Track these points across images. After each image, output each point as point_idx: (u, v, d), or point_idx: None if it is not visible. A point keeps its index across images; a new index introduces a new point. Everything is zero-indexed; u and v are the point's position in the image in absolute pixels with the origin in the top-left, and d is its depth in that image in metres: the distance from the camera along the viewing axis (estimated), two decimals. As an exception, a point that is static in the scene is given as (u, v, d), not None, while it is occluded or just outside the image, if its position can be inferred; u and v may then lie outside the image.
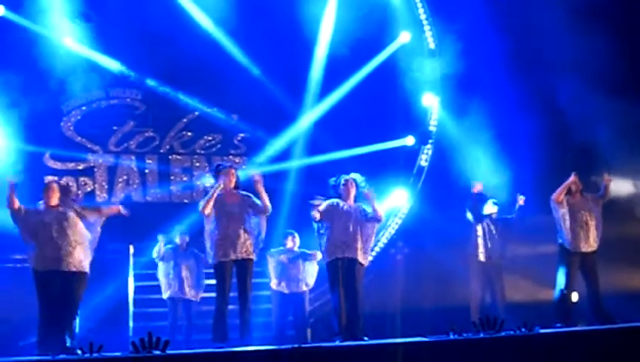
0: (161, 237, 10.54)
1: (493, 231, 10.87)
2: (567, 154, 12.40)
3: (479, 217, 10.87)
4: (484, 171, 12.30)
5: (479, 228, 10.85)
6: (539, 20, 12.36)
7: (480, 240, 10.86)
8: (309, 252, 10.87)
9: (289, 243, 10.93)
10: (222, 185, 8.37)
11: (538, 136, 12.35)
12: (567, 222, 9.63)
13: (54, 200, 8.11)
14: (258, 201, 8.35)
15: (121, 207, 8.39)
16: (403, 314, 11.66)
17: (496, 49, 12.50)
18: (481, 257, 10.84)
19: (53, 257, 7.88)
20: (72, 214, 8.06)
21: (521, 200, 10.61)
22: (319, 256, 10.59)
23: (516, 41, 12.70)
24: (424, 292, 12.22)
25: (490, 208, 11.00)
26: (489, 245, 10.83)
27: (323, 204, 8.63)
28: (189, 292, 10.53)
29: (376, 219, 8.72)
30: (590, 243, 9.65)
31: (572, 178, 9.68)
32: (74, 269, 7.95)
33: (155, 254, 10.55)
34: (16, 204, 7.94)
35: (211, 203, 8.30)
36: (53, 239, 7.92)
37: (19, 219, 7.97)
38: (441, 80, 13.33)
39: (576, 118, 12.15)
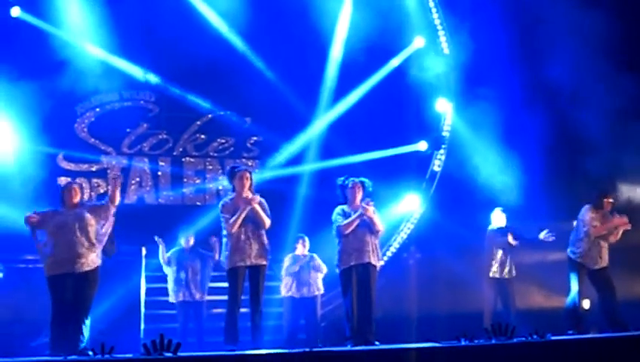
0: (158, 240, 10.47)
1: (505, 243, 10.82)
2: (578, 158, 12.33)
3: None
4: (494, 173, 12.29)
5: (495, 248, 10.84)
6: (548, 16, 12.31)
7: (494, 254, 10.83)
8: (317, 261, 10.89)
9: (299, 248, 10.92)
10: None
11: (549, 140, 12.30)
12: (585, 238, 9.57)
13: (74, 201, 8.14)
14: (263, 213, 8.33)
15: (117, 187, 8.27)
16: (415, 320, 11.63)
17: (507, 49, 12.49)
18: (495, 269, 10.80)
19: (68, 258, 7.88)
20: (88, 215, 8.09)
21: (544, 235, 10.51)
22: (325, 270, 10.68)
23: (528, 40, 12.67)
24: (436, 298, 12.18)
25: (497, 217, 10.92)
26: (502, 256, 10.79)
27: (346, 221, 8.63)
28: (196, 294, 10.45)
29: (376, 231, 8.72)
30: (600, 263, 9.61)
31: (619, 219, 9.65)
32: (87, 269, 7.95)
33: (160, 259, 10.55)
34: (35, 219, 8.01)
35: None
36: (70, 239, 7.92)
37: (37, 226, 8.00)
38: (454, 84, 13.32)
39: (587, 121, 12.08)
